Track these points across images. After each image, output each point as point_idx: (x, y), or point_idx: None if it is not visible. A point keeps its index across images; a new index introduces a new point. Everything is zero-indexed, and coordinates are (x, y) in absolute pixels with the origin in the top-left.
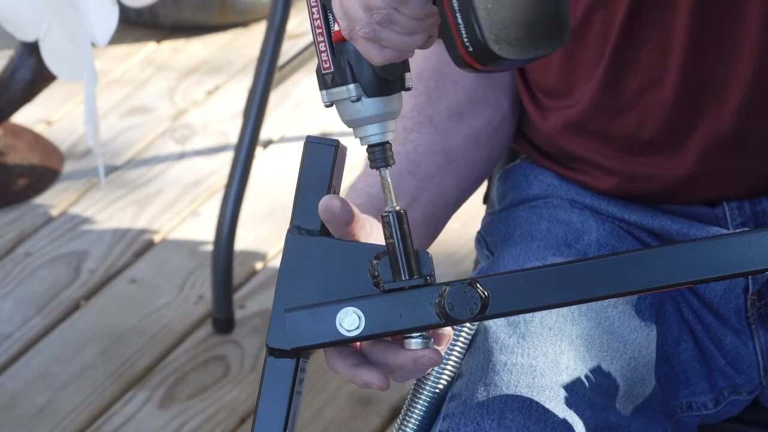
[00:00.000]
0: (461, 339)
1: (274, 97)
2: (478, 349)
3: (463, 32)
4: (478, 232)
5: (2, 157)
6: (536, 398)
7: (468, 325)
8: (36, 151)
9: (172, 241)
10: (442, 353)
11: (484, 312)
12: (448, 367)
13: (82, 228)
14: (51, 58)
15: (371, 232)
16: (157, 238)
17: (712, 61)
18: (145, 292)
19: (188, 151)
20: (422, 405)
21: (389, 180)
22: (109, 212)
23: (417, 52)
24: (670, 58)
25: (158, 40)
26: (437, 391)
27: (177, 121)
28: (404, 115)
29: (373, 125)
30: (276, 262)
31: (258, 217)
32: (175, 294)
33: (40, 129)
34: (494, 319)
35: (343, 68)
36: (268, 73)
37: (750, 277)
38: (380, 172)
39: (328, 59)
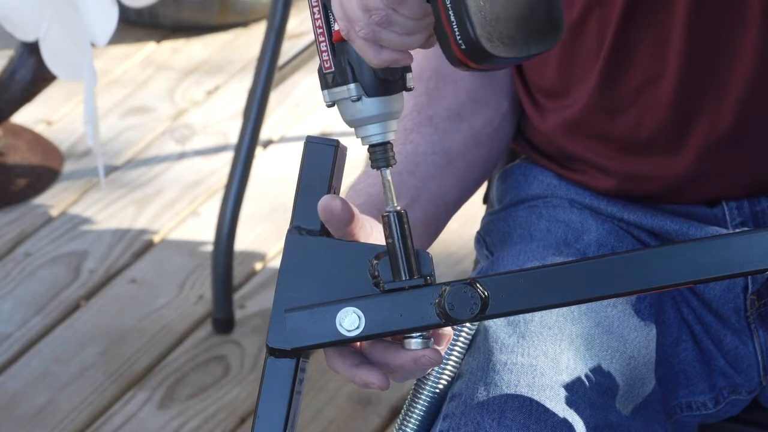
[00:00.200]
0: (461, 339)
1: (274, 97)
2: (478, 349)
3: (456, 30)
4: (478, 232)
5: (2, 157)
6: (536, 398)
7: (468, 325)
8: (36, 151)
9: (172, 241)
10: (443, 353)
11: (484, 312)
12: (449, 367)
13: (82, 228)
14: (51, 58)
15: (371, 232)
16: (157, 238)
17: (711, 60)
18: (145, 292)
19: (188, 151)
20: (422, 405)
21: (390, 180)
22: (109, 212)
23: (416, 52)
24: (667, 56)
25: (158, 40)
26: (437, 391)
27: (177, 121)
28: (404, 116)
29: (373, 125)
30: (276, 262)
31: (258, 217)
32: (175, 294)
33: (40, 129)
34: (494, 319)
35: (343, 68)
36: (268, 73)
37: (749, 276)
38: (381, 172)
39: (329, 59)
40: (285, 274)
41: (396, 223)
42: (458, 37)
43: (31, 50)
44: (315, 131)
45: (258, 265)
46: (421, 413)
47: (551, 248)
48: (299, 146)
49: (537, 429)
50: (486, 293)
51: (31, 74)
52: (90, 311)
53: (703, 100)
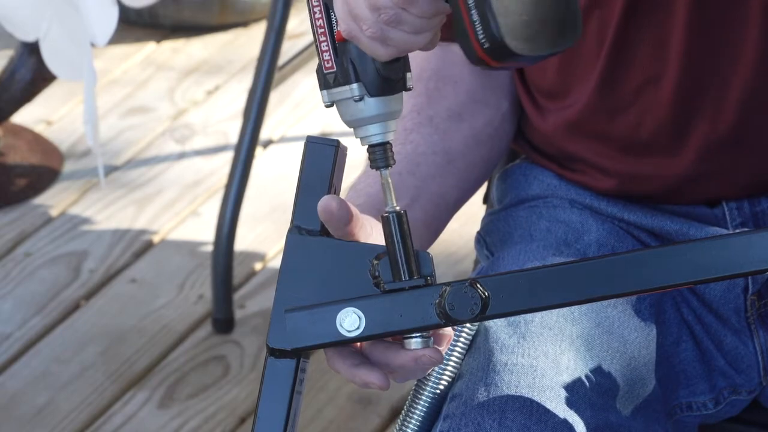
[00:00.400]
0: (462, 339)
1: (274, 97)
2: (479, 350)
3: (479, 28)
4: (478, 232)
5: (2, 157)
6: (537, 398)
7: (468, 325)
8: (36, 151)
9: (172, 241)
10: (443, 354)
11: (484, 312)
12: (449, 368)
13: (82, 228)
14: (51, 58)
15: (371, 232)
16: (157, 238)
17: (711, 60)
18: (145, 292)
19: (188, 151)
20: (423, 405)
21: (390, 180)
22: (109, 212)
23: (416, 53)
24: (668, 57)
25: (158, 40)
26: (438, 391)
27: (177, 121)
28: (404, 116)
29: (374, 125)
30: (276, 262)
31: (258, 217)
32: (175, 294)
33: (40, 129)
34: (494, 320)
35: (346, 68)
36: (268, 73)
37: (749, 277)
38: (381, 172)
39: (331, 59)
40: (285, 275)
41: (396, 224)
42: (480, 36)
43: (31, 50)
44: (315, 131)
45: (258, 265)
46: (422, 414)
47: (551, 248)
48: (299, 146)
49: (538, 430)
50: (486, 293)
51: (31, 74)
52: (90, 311)
53: (704, 101)
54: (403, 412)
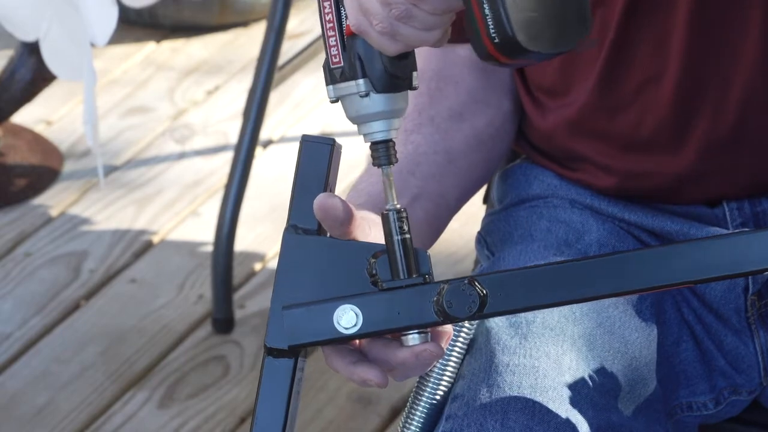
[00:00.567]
0: (461, 338)
1: (274, 97)
2: (480, 350)
3: (490, 24)
4: (479, 233)
5: (2, 157)
6: (539, 399)
7: (467, 323)
8: (36, 151)
9: (171, 241)
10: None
11: (482, 310)
12: (449, 367)
13: (82, 228)
14: (51, 58)
15: (369, 232)
16: (156, 238)
17: (712, 59)
18: (144, 292)
19: (188, 151)
20: (424, 406)
21: (391, 178)
22: (109, 212)
23: (418, 53)
24: (668, 56)
25: (158, 40)
26: (439, 391)
27: (177, 121)
28: (405, 117)
29: (378, 122)
30: (276, 262)
31: (258, 217)
32: (175, 294)
33: (39, 129)
34: (496, 321)
35: (353, 63)
36: (268, 73)
37: (750, 277)
38: (382, 169)
39: (338, 53)
40: (282, 274)
41: (396, 222)
42: (492, 32)
43: (31, 50)
44: (315, 131)
45: (258, 265)
46: (424, 414)
47: (552, 248)
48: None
49: (540, 430)
50: (484, 291)
51: (30, 74)
52: (90, 311)
53: (704, 100)
54: (404, 412)
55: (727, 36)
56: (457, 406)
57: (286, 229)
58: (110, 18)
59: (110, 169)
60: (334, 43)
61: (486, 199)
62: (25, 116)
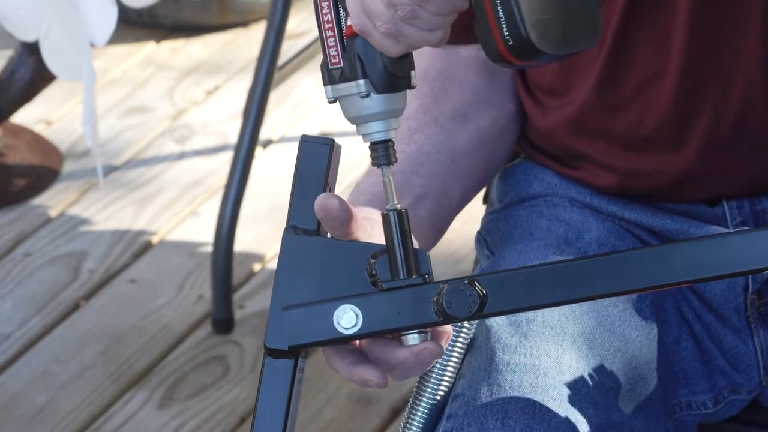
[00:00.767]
0: (461, 338)
1: (274, 97)
2: (481, 349)
3: (504, 25)
4: (478, 232)
5: (2, 157)
6: (540, 398)
7: (467, 323)
8: (35, 151)
9: (171, 241)
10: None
11: (482, 310)
12: (450, 367)
13: (82, 228)
14: (51, 58)
15: (372, 232)
16: (156, 238)
17: (712, 58)
18: (144, 292)
19: (188, 151)
20: (425, 405)
21: (391, 178)
22: (109, 212)
23: (421, 54)
24: (669, 55)
25: (158, 40)
26: (440, 391)
27: (176, 121)
28: (409, 117)
29: (377, 122)
30: (275, 263)
31: (257, 217)
32: (175, 294)
33: (39, 129)
34: (496, 320)
35: (353, 63)
36: (267, 72)
37: (750, 275)
38: (382, 169)
39: (338, 54)
40: (282, 275)
41: (396, 222)
42: (505, 33)
43: (30, 50)
44: (315, 131)
45: (257, 265)
46: (425, 413)
47: (552, 247)
48: None
49: (541, 429)
50: (484, 291)
51: (30, 74)
52: (90, 311)
53: (705, 99)
54: (405, 412)
55: (727, 35)
56: (457, 406)
57: (286, 230)
58: (110, 18)
59: (110, 169)
60: (333, 43)
61: (485, 199)
62: (24, 116)
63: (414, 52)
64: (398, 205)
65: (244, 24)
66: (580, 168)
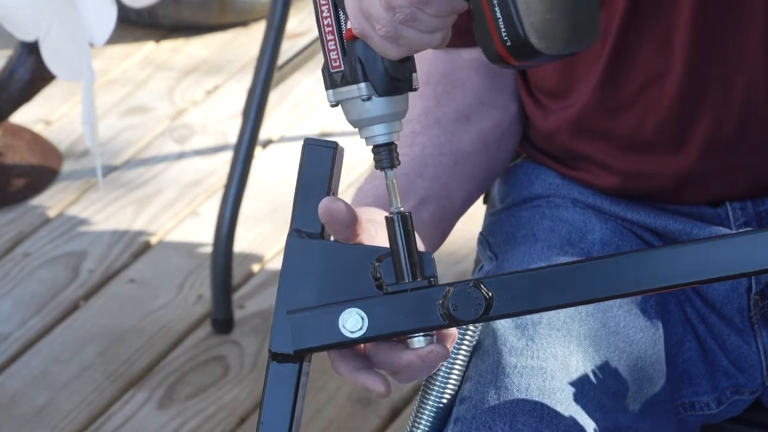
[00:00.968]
0: (466, 340)
1: (274, 96)
2: (487, 352)
3: (502, 26)
4: (481, 233)
5: (1, 157)
6: (547, 401)
7: (472, 326)
8: (35, 151)
9: (171, 241)
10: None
11: (488, 313)
12: (455, 369)
13: (81, 228)
14: (51, 58)
15: (376, 235)
16: (156, 238)
17: (715, 60)
18: (144, 292)
19: (187, 150)
20: (431, 408)
21: (394, 181)
22: (108, 212)
23: (423, 57)
24: (671, 56)
25: (157, 40)
26: (446, 394)
27: (176, 121)
28: (412, 119)
29: (380, 125)
30: (275, 263)
31: (257, 217)
32: (175, 294)
33: (38, 129)
34: (502, 322)
35: (354, 67)
36: (267, 72)
37: (753, 276)
38: (385, 173)
39: (338, 57)
40: (286, 279)
41: (400, 225)
42: (503, 34)
43: (29, 50)
44: (315, 131)
45: (257, 266)
46: (431, 417)
47: (555, 248)
48: (299, 146)
49: None
50: (490, 294)
51: (29, 74)
52: (89, 311)
53: (707, 100)
54: (412, 415)
55: (729, 35)
56: (465, 409)
57: (290, 234)
58: (109, 18)
59: (109, 169)
60: (334, 47)
61: (486, 199)
62: (24, 116)
63: (416, 56)
64: (402, 208)
65: (243, 24)
66: (582, 169)
